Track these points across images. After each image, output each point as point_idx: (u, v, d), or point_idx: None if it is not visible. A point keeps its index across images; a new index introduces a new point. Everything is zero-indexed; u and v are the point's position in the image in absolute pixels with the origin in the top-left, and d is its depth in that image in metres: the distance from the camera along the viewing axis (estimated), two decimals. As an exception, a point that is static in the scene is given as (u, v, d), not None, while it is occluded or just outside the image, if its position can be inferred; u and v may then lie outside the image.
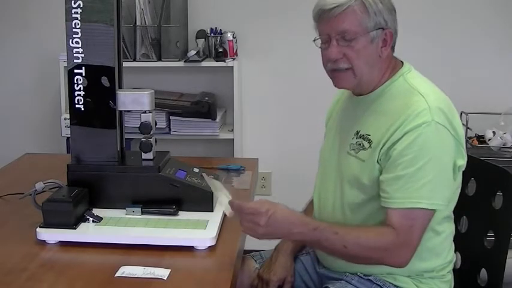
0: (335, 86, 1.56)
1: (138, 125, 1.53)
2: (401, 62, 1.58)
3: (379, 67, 1.52)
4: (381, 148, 1.45)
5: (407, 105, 1.45)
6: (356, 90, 1.57)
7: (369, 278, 1.54)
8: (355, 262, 1.48)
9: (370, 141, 1.49)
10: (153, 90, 1.55)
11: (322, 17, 1.48)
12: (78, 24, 1.48)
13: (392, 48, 1.55)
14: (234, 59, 2.87)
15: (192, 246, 1.38)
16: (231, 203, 1.40)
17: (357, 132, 1.54)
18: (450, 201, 1.50)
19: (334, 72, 1.52)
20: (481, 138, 2.83)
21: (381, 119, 1.49)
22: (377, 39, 1.49)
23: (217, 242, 1.39)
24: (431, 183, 1.40)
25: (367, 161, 1.48)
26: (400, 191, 1.41)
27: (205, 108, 2.80)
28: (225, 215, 1.45)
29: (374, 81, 1.53)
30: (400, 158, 1.41)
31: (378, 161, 1.46)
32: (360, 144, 1.51)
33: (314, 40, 1.54)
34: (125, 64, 1.62)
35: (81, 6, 1.48)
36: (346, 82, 1.52)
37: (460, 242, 1.66)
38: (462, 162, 1.49)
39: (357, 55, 1.47)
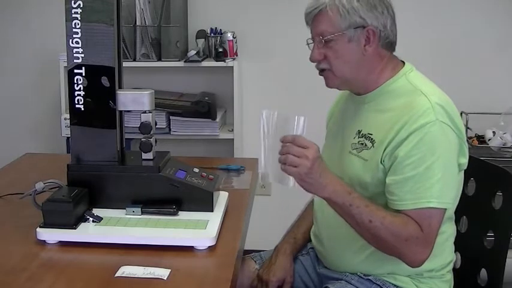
0: (326, 86, 1.59)
1: (138, 125, 1.53)
2: (403, 62, 1.58)
3: (368, 65, 1.52)
4: (385, 148, 1.45)
5: (410, 104, 1.45)
6: (352, 90, 1.59)
7: (369, 277, 1.54)
8: (374, 243, 1.46)
9: (372, 141, 1.49)
10: (153, 90, 1.55)
11: (306, 20, 1.55)
12: (78, 24, 1.48)
13: (391, 45, 1.54)
14: (234, 59, 2.87)
15: (192, 246, 1.38)
16: (285, 136, 1.40)
17: (359, 132, 1.54)
18: (454, 201, 1.51)
19: (321, 74, 1.56)
20: (481, 138, 2.83)
21: (383, 117, 1.49)
22: (356, 37, 1.49)
23: (217, 242, 1.39)
24: (440, 182, 1.40)
25: (370, 160, 1.48)
26: (410, 193, 1.40)
27: (205, 108, 2.80)
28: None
29: (369, 80, 1.53)
30: (408, 159, 1.41)
31: (381, 162, 1.46)
32: (362, 144, 1.51)
33: (307, 44, 1.58)
34: (125, 64, 1.62)
35: (81, 6, 1.47)
36: (330, 82, 1.56)
37: (460, 242, 1.66)
38: (464, 160, 1.49)
39: (335, 55, 1.50)
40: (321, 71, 1.55)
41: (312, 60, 1.54)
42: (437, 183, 1.40)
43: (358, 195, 1.44)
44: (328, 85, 1.58)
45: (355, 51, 1.51)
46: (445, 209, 1.43)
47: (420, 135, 1.41)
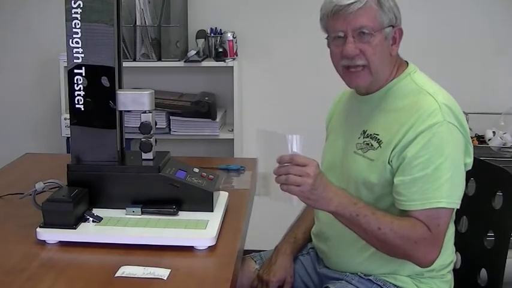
0: (349, 84, 1.55)
1: (138, 125, 1.53)
2: (406, 62, 1.58)
3: (389, 66, 1.53)
4: (393, 149, 1.45)
5: (417, 105, 1.45)
6: (365, 89, 1.56)
7: (369, 278, 1.54)
8: (383, 249, 1.45)
9: (379, 141, 1.49)
10: (153, 90, 1.55)
11: (338, 13, 1.47)
12: (78, 24, 1.48)
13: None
14: (234, 59, 2.87)
15: (192, 246, 1.38)
16: (281, 156, 1.39)
17: (364, 132, 1.53)
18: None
19: (349, 70, 1.50)
20: (481, 138, 2.83)
21: (390, 118, 1.49)
22: (389, 36, 1.49)
23: (217, 242, 1.39)
24: (448, 182, 1.40)
25: (376, 160, 1.48)
26: (419, 193, 1.40)
27: (205, 108, 2.80)
28: (223, 213, 1.44)
29: (383, 79, 1.53)
30: (416, 159, 1.41)
31: (389, 162, 1.45)
32: (368, 144, 1.51)
33: (327, 38, 1.53)
34: (125, 64, 1.62)
35: (81, 6, 1.47)
36: (362, 80, 1.51)
37: (460, 242, 1.66)
38: (469, 160, 1.50)
39: (374, 51, 1.47)
40: (348, 69, 1.50)
41: (347, 55, 1.47)
42: (446, 183, 1.40)
43: (364, 204, 1.44)
44: (355, 83, 1.52)
45: (387, 50, 1.50)
46: (453, 208, 1.43)
47: (428, 136, 1.41)
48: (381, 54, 1.48)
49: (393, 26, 1.50)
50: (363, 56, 1.47)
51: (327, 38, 1.53)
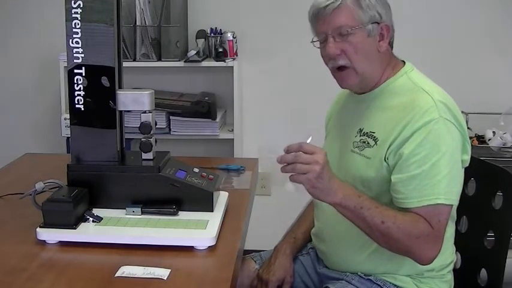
0: (340, 85, 1.57)
1: (138, 125, 1.53)
2: (403, 61, 1.59)
3: (380, 62, 1.53)
4: (389, 146, 1.45)
5: (413, 102, 1.45)
6: (359, 89, 1.57)
7: (369, 277, 1.54)
8: (384, 243, 1.44)
9: (375, 139, 1.49)
10: (153, 90, 1.55)
11: (317, 16, 1.50)
12: (78, 24, 1.48)
13: (391, 46, 1.55)
14: (234, 59, 2.87)
15: (192, 246, 1.38)
16: (290, 145, 1.38)
17: (360, 130, 1.54)
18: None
19: (337, 72, 1.52)
20: (481, 138, 2.83)
21: (386, 115, 1.49)
22: (373, 33, 1.49)
23: (217, 242, 1.39)
24: (446, 178, 1.40)
25: (373, 158, 1.48)
26: (416, 190, 1.40)
27: (205, 108, 2.80)
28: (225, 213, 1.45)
29: (376, 77, 1.54)
30: (413, 157, 1.41)
31: (385, 159, 1.46)
32: (364, 142, 1.51)
33: (312, 41, 1.55)
34: (125, 64, 1.62)
35: (81, 6, 1.47)
36: (349, 80, 1.52)
37: (460, 242, 1.66)
38: (466, 157, 1.50)
39: (355, 50, 1.48)
40: (337, 70, 1.52)
41: (328, 55, 1.49)
42: (443, 180, 1.40)
43: (367, 197, 1.44)
44: (345, 84, 1.54)
45: (373, 47, 1.50)
46: (452, 205, 1.43)
47: (425, 133, 1.41)
48: (363, 52, 1.49)
49: (378, 23, 1.50)
50: (345, 55, 1.49)
51: (312, 42, 1.55)
